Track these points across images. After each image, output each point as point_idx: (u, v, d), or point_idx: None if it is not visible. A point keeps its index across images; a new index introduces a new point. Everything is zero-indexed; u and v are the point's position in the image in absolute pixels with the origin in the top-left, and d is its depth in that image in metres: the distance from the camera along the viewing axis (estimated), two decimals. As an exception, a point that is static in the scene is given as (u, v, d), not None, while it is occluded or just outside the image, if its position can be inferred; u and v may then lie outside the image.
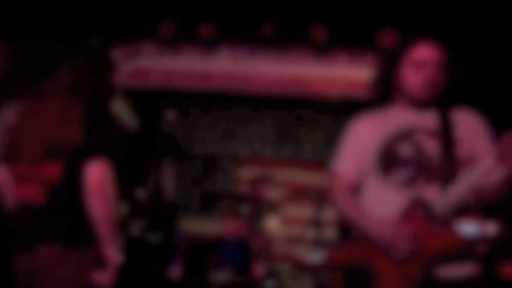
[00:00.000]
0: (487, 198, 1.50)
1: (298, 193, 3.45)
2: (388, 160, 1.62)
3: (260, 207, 2.76)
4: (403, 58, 1.64)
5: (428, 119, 1.63)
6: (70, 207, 1.57)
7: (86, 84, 1.64)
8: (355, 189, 1.73)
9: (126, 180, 4.62)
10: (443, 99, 1.64)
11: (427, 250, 1.46)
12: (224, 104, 5.44)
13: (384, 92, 1.73)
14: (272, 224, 3.51)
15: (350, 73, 3.68)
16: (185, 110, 5.47)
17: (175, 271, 2.68)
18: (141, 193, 3.25)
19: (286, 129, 5.35)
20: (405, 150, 1.60)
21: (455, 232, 1.45)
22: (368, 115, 1.80)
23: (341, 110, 5.19)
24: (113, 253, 1.56)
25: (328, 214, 3.18)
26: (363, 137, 1.72)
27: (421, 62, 1.61)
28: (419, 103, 1.64)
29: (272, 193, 3.58)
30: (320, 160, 5.19)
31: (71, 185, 1.56)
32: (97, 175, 1.52)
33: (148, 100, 5.42)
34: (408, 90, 1.64)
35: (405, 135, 1.62)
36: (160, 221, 4.18)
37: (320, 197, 3.17)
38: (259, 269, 2.92)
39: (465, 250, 1.45)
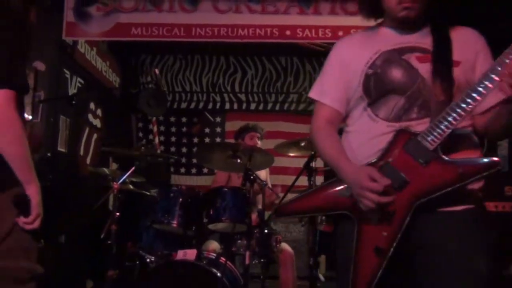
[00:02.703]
0: (486, 126, 1.39)
1: (287, 143, 3.48)
2: (377, 86, 1.45)
3: (253, 156, 2.79)
4: None
5: (421, 40, 1.45)
6: None
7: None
8: (339, 120, 1.57)
9: (113, 137, 4.62)
10: (437, 16, 1.45)
11: (412, 187, 1.33)
12: (208, 57, 5.38)
13: (371, 9, 1.53)
14: (261, 172, 3.58)
15: (335, 20, 3.63)
16: (168, 64, 5.39)
17: (174, 223, 2.74)
18: (131, 150, 3.25)
19: (271, 80, 5.35)
20: (395, 74, 1.43)
21: (444, 166, 1.31)
22: (355, 35, 1.61)
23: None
24: (32, 193, 1.44)
25: (319, 163, 3.25)
26: (348, 59, 1.52)
27: None
28: (404, 22, 1.45)
29: (256, 142, 3.61)
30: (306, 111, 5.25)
31: None
32: None
33: (130, 56, 5.31)
34: (386, 8, 1.46)
35: (396, 57, 1.45)
36: (154, 176, 4.22)
37: (309, 145, 3.23)
38: (255, 217, 3.02)
39: (455, 185, 1.29)
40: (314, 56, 5.25)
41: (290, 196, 4.11)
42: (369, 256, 1.36)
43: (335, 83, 1.55)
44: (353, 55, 1.52)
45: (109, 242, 2.83)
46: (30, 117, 3.29)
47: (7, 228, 1.41)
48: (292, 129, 5.31)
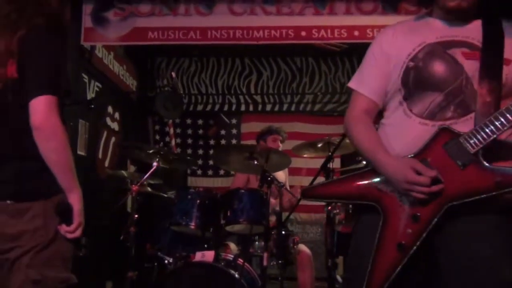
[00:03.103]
0: None
1: (304, 144, 3.48)
2: (416, 80, 1.39)
3: (272, 159, 2.79)
4: None
5: (470, 34, 1.37)
6: (13, 155, 1.40)
7: (25, 13, 1.41)
8: (376, 112, 1.51)
9: (131, 139, 4.67)
10: (490, 8, 1.37)
11: (446, 189, 1.29)
12: (223, 59, 5.40)
13: None
14: (280, 174, 3.58)
15: (351, 19, 3.61)
16: (184, 67, 5.44)
17: (192, 225, 2.75)
18: (149, 152, 3.28)
19: (286, 81, 5.35)
20: (436, 69, 1.36)
21: (482, 171, 1.26)
22: (400, 24, 1.51)
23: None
24: (74, 200, 1.42)
25: (336, 164, 3.23)
26: (390, 50, 1.45)
27: None
28: (454, 13, 1.37)
29: (279, 145, 3.62)
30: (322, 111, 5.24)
31: (12, 129, 1.40)
32: (41, 114, 1.34)
33: (147, 59, 5.37)
34: None
35: (440, 51, 1.37)
36: (171, 178, 4.25)
37: (326, 146, 3.22)
38: (272, 219, 3.01)
39: (490, 193, 1.24)
40: (330, 56, 5.23)
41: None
42: (391, 251, 1.33)
43: (374, 73, 1.49)
44: (395, 46, 1.46)
45: (128, 244, 2.87)
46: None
47: (50, 236, 1.39)
48: (308, 129, 5.29)
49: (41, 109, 1.35)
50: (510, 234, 1.32)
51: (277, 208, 3.11)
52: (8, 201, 1.37)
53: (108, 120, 4.37)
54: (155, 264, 2.93)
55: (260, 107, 5.37)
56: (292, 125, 5.28)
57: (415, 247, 1.31)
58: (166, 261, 2.85)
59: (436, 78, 1.37)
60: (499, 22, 1.38)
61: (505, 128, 1.25)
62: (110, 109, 4.41)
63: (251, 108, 5.38)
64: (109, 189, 3.98)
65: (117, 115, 4.55)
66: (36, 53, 1.39)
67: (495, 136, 1.26)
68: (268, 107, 5.37)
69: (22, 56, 1.38)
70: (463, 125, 1.33)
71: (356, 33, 3.54)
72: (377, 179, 1.41)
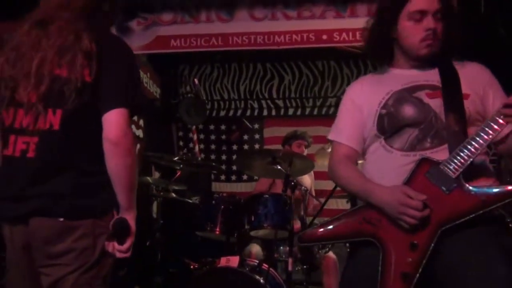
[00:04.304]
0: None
1: (326, 148, 3.46)
2: (391, 122, 1.50)
3: (295, 163, 2.79)
4: (400, 10, 1.49)
5: (431, 76, 1.52)
6: (72, 167, 1.29)
7: (102, 7, 1.34)
8: (356, 158, 1.62)
9: (155, 145, 4.74)
10: (446, 52, 1.51)
11: (436, 215, 1.36)
12: (245, 65, 5.43)
13: (382, 49, 1.59)
14: (306, 179, 3.56)
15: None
16: (206, 73, 5.49)
17: (216, 230, 2.77)
18: (173, 159, 3.32)
19: (308, 85, 5.33)
20: (407, 112, 1.48)
21: (467, 194, 1.35)
22: (364, 78, 1.69)
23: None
24: (130, 220, 1.38)
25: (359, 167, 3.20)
26: (361, 102, 1.59)
27: (420, 12, 1.45)
28: (420, 59, 1.52)
29: (303, 150, 3.61)
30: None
31: (76, 137, 1.29)
32: (119, 129, 1.27)
33: (169, 67, 5.45)
34: (410, 44, 1.51)
35: (407, 96, 1.51)
36: (195, 184, 4.29)
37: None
38: (297, 223, 3.00)
39: (478, 212, 1.33)
40: (352, 58, 5.18)
41: (332, 202, 4.08)
42: (397, 282, 1.38)
43: (350, 124, 1.62)
44: (365, 97, 1.59)
45: (154, 249, 2.91)
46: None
47: (96, 256, 1.34)
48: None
49: (120, 123, 1.27)
50: (498, 237, 1.39)
51: (302, 213, 3.10)
52: (61, 219, 1.29)
53: (133, 127, 4.45)
54: (181, 269, 2.96)
55: (282, 111, 5.36)
56: (315, 129, 5.23)
57: (417, 275, 1.36)
58: (191, 266, 2.87)
59: (410, 120, 1.48)
60: (451, 62, 1.54)
61: (479, 151, 1.36)
62: (134, 117, 4.48)
63: (273, 112, 5.38)
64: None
65: (141, 122, 4.62)
66: (117, 62, 1.30)
67: (471, 159, 1.36)
68: (291, 111, 5.36)
69: (99, 61, 1.27)
70: (441, 154, 1.42)
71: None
72: (369, 214, 1.47)
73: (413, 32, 1.48)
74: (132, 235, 1.39)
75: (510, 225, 1.40)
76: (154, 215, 3.81)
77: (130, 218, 1.38)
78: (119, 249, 1.37)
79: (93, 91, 1.28)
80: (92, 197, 1.33)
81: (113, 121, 1.28)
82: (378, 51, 1.61)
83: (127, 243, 1.38)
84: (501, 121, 1.34)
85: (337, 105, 5.35)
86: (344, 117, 1.66)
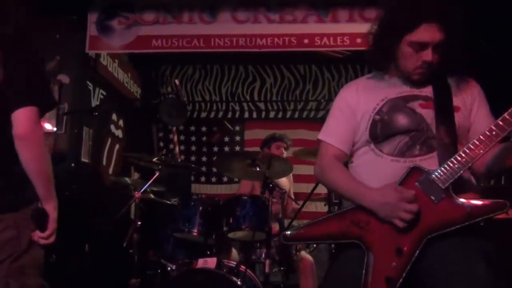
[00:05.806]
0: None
1: (305, 150, 3.48)
2: (384, 130, 1.53)
3: (274, 165, 2.80)
4: (403, 34, 1.51)
5: (423, 88, 1.57)
6: None
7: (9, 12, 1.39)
8: (344, 159, 1.64)
9: (135, 146, 4.70)
10: (439, 71, 1.55)
11: (424, 222, 1.40)
12: (227, 67, 5.43)
13: (382, 58, 1.61)
14: (284, 181, 3.58)
15: (354, 27, 3.62)
16: (187, 74, 5.47)
17: (194, 232, 2.76)
18: (152, 159, 3.30)
19: (290, 88, 5.36)
20: (400, 121, 1.52)
21: (455, 205, 1.39)
22: (360, 81, 1.71)
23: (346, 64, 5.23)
24: (50, 208, 1.46)
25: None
26: (354, 105, 1.61)
27: (421, 44, 1.49)
28: (413, 81, 1.57)
29: (282, 152, 3.63)
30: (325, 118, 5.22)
31: None
32: (27, 125, 1.34)
33: (151, 67, 5.41)
34: (404, 68, 1.55)
35: (401, 105, 1.55)
36: (175, 185, 4.26)
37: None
38: (275, 226, 3.02)
39: (463, 224, 1.37)
40: (333, 63, 5.24)
41: (310, 204, 4.10)
42: (379, 284, 1.40)
43: (340, 125, 1.63)
44: (360, 102, 1.61)
45: (131, 250, 2.88)
46: (55, 129, 3.38)
47: (23, 246, 1.42)
48: (311, 136, 5.28)
49: (27, 120, 1.35)
50: (479, 239, 1.42)
51: (280, 215, 3.11)
52: None
53: (112, 127, 4.40)
54: (158, 270, 2.94)
55: (263, 114, 5.38)
56: (295, 132, 5.27)
57: (401, 280, 1.38)
58: (168, 268, 2.85)
59: (403, 128, 1.52)
60: (444, 76, 1.58)
61: (469, 164, 1.40)
62: (114, 116, 4.43)
63: (254, 115, 5.39)
64: (112, 196, 3.99)
65: (121, 122, 4.57)
66: (24, 62, 1.37)
67: (461, 172, 1.40)
68: (272, 114, 5.38)
69: (7, 62, 1.35)
70: (430, 162, 1.46)
71: (358, 40, 3.55)
72: (358, 217, 1.49)
73: (410, 59, 1.52)
74: (52, 222, 1.46)
75: (481, 223, 1.42)
76: (132, 216, 3.78)
77: (51, 207, 1.47)
78: (40, 236, 1.45)
79: (4, 93, 1.36)
80: (15, 193, 1.42)
81: (20, 118, 1.35)
82: (378, 60, 1.64)
83: (48, 230, 1.45)
84: (492, 136, 1.38)
85: (318, 109, 5.42)
86: (337, 119, 1.66)
